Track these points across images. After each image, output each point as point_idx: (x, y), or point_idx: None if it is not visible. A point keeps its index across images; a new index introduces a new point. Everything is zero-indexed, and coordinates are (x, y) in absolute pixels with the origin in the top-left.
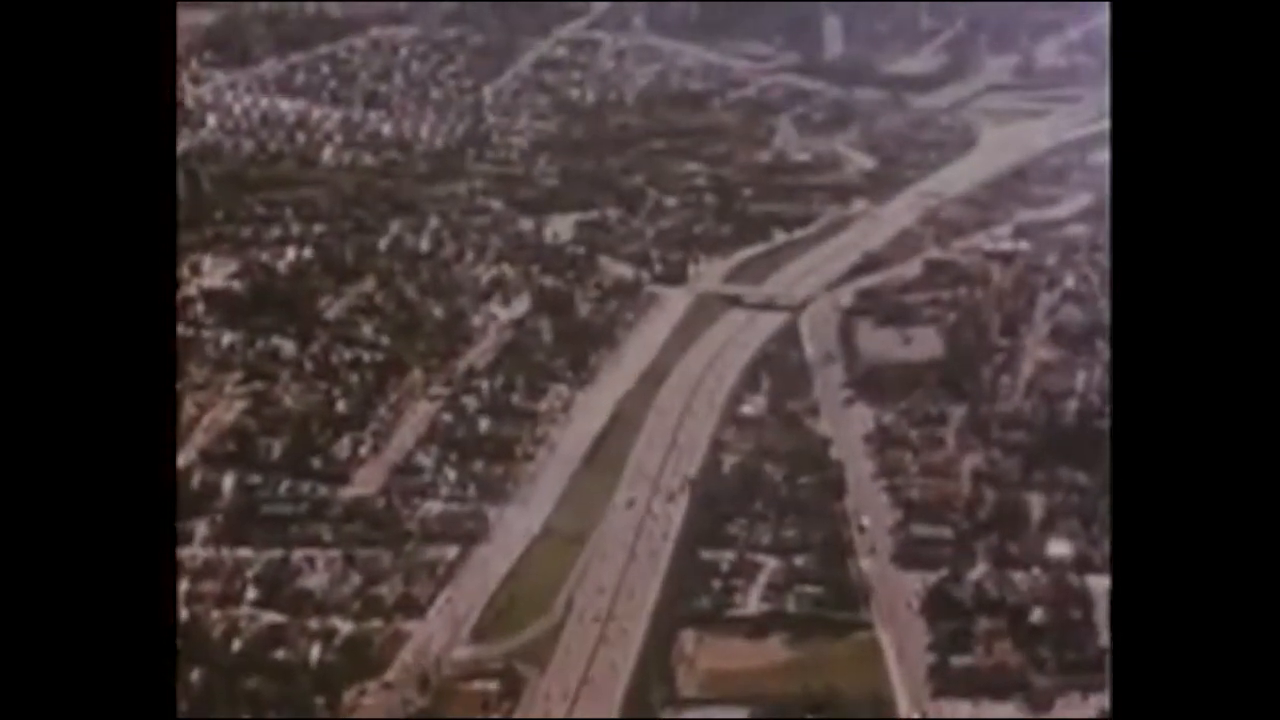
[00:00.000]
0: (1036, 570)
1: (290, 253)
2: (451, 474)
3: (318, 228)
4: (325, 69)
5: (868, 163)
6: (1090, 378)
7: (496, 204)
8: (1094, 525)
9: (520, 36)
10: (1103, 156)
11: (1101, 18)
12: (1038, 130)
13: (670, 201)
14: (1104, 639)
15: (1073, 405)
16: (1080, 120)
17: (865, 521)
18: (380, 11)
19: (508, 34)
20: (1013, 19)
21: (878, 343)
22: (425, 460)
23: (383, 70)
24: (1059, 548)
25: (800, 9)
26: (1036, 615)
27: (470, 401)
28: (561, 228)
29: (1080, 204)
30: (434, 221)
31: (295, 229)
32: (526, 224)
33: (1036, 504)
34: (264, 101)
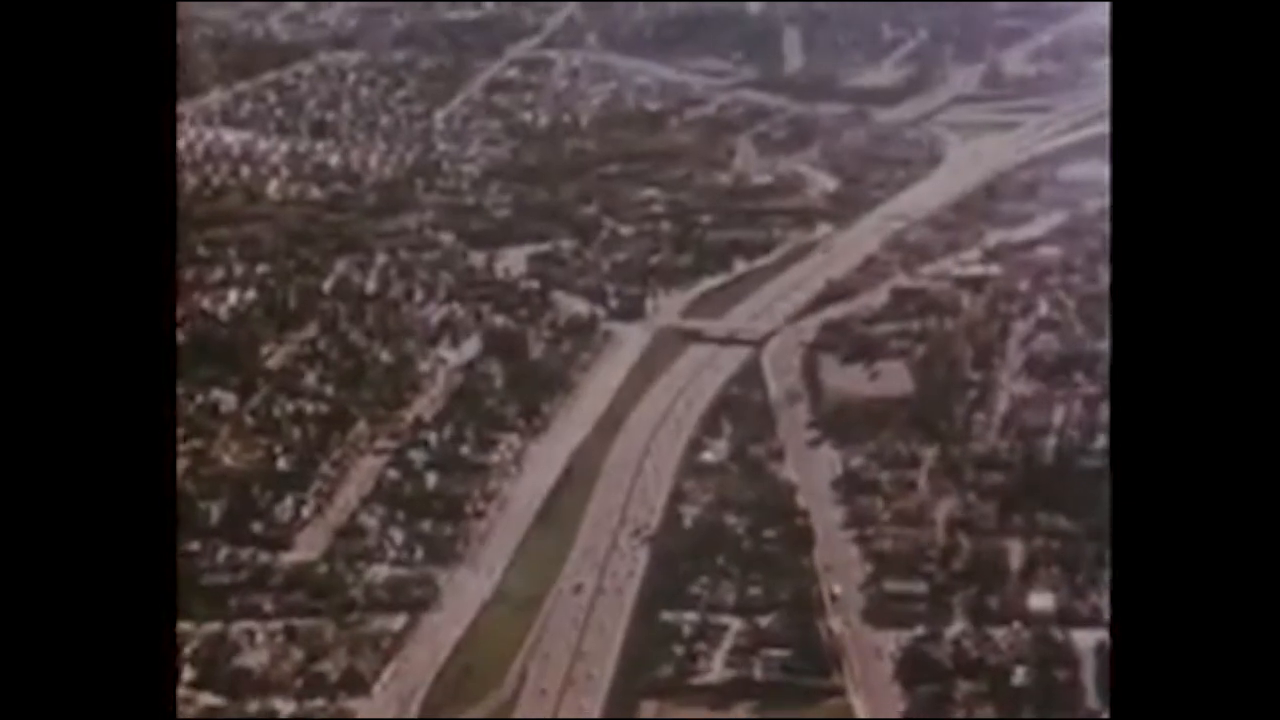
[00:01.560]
0: (1018, 625)
1: (232, 296)
2: (398, 535)
3: (261, 268)
4: (271, 97)
5: (830, 183)
6: (1068, 412)
7: (446, 237)
8: (1078, 574)
9: (471, 58)
10: (1075, 170)
11: (1068, 22)
12: (1007, 144)
13: (626, 230)
14: (1092, 700)
15: (1050, 443)
16: (1051, 132)
17: (837, 590)
18: (327, 35)
19: (458, 55)
20: (977, 26)
21: (844, 379)
22: (370, 521)
23: (330, 97)
24: (1041, 600)
25: (759, 21)
26: (1019, 676)
27: (417, 456)
28: (514, 261)
29: (1052, 222)
30: (381, 258)
31: (238, 270)
32: (478, 258)
33: (1016, 552)
34: (209, 134)
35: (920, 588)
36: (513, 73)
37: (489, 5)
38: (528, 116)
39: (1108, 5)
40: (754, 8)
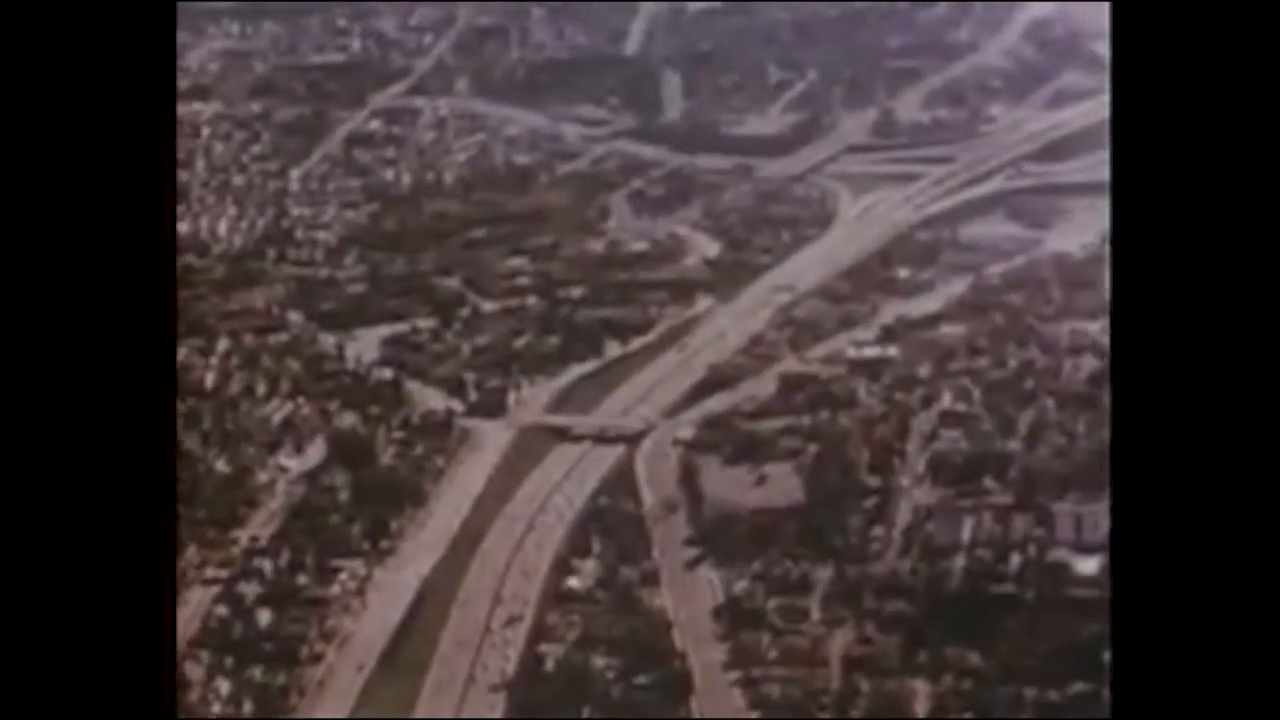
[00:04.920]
0: None
1: None
2: (224, 686)
3: None
4: None
5: (712, 248)
6: (978, 525)
7: (295, 317)
8: None
9: (332, 107)
10: (976, 230)
11: (963, 62)
12: (902, 200)
13: (489, 307)
14: None
15: (959, 563)
16: (949, 186)
17: None
18: (187, 85)
19: (318, 105)
20: (867, 67)
21: (726, 485)
22: (194, 670)
23: (184, 155)
24: None
25: (637, 64)
26: None
27: (249, 589)
28: (366, 345)
29: (954, 292)
30: (224, 343)
31: None
32: (327, 341)
33: (922, 695)
34: None
35: None
36: (375, 124)
37: (355, 47)
38: (389, 175)
39: (1002, 42)
40: (631, 48)
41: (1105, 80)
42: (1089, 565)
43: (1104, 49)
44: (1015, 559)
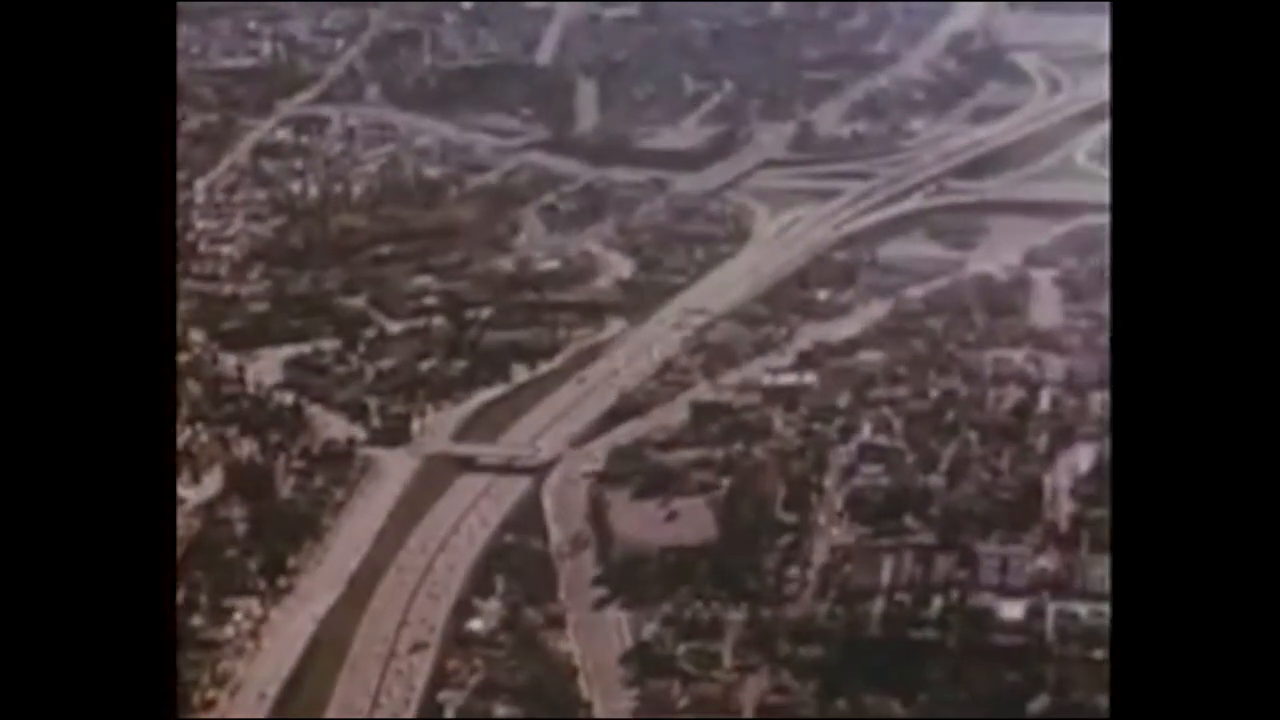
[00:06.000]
0: None
1: None
2: None
3: None
4: None
5: (625, 268)
6: (898, 567)
7: (198, 336)
8: None
9: (240, 115)
10: (895, 250)
11: (883, 74)
12: (820, 218)
13: (395, 328)
14: None
15: (878, 607)
16: (869, 204)
17: None
18: None
19: (226, 112)
20: (786, 80)
21: (636, 521)
22: None
23: None
24: None
25: (552, 73)
26: None
27: None
28: (268, 367)
29: (873, 316)
30: None
31: None
32: (229, 362)
33: None
34: None
35: None
36: (283, 133)
37: (266, 51)
38: (296, 186)
39: (923, 54)
40: (545, 57)
41: (1028, 94)
42: (1014, 610)
43: (1026, 61)
44: (937, 603)
